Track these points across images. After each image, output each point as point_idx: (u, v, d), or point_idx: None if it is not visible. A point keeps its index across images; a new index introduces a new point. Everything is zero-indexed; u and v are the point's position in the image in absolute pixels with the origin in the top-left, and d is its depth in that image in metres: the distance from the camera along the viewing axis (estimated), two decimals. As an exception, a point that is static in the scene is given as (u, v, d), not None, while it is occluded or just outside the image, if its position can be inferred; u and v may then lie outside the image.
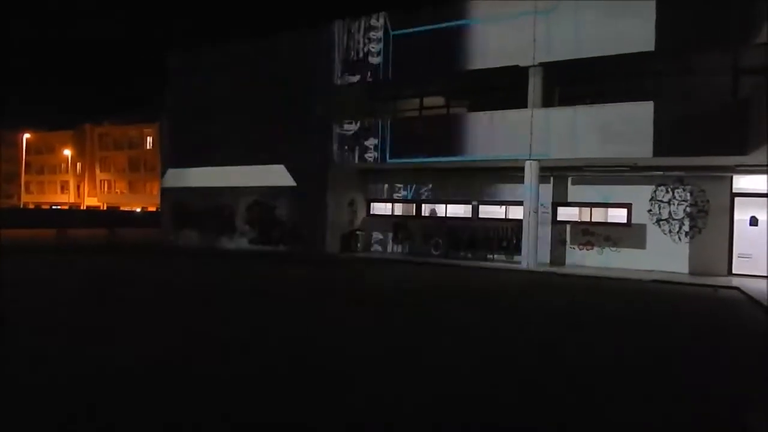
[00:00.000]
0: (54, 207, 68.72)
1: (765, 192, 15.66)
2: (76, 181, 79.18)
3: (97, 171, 76.54)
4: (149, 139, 71.04)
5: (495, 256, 18.87)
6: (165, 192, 25.34)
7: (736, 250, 16.04)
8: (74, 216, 38.10)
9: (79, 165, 77.95)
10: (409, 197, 21.45)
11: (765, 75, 13.34)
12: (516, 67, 17.25)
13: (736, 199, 16.08)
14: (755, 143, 13.01)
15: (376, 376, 5.40)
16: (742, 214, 16.03)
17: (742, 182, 16.06)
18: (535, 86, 17.00)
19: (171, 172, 24.93)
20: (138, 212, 56.60)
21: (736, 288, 13.40)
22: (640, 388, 5.26)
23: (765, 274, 15.25)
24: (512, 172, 18.22)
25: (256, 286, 12.27)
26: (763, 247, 15.43)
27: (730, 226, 16.06)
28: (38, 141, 78.41)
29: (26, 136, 66.97)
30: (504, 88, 18.51)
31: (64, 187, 79.98)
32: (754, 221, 15.86)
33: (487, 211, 19.92)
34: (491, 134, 17.49)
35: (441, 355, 6.33)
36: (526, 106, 17.17)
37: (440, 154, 18.30)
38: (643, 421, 4.38)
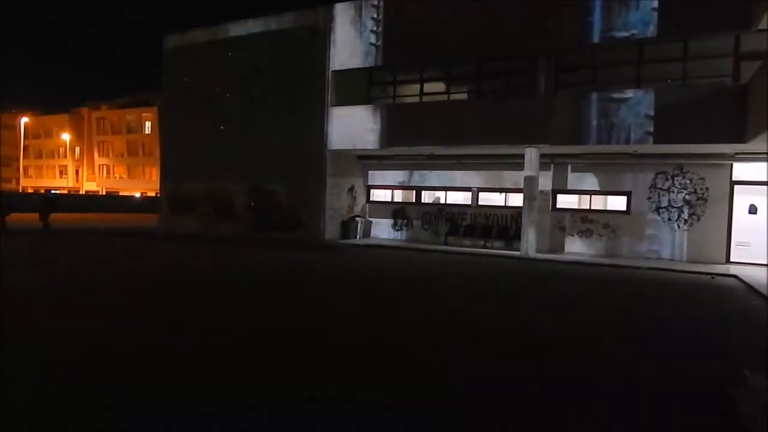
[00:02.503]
0: (51, 191, 68.57)
1: (764, 180, 15.67)
2: (74, 166, 78.96)
3: (96, 155, 76.28)
4: (148, 124, 70.69)
5: (494, 243, 18.91)
6: (164, 178, 25.26)
7: (735, 238, 16.09)
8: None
9: (77, 149, 77.67)
10: (409, 184, 21.45)
11: (765, 60, 13.27)
12: (520, 54, 17.19)
13: (736, 187, 16.09)
14: (755, 131, 12.95)
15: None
16: (741, 202, 16.06)
17: (742, 170, 16.06)
18: (537, 74, 16.92)
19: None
20: (137, 197, 56.53)
21: (734, 276, 13.47)
22: (625, 363, 5.33)
23: (763, 262, 15.34)
24: (512, 159, 18.20)
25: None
26: (762, 236, 15.49)
27: (729, 214, 16.09)
28: (36, 125, 77.99)
29: (24, 119, 66.53)
30: (505, 75, 18.42)
31: (62, 172, 79.80)
32: (753, 209, 15.88)
33: (487, 199, 19.94)
34: (492, 121, 17.43)
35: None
36: (526, 94, 17.10)
37: (440, 140, 18.26)
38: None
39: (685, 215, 16.59)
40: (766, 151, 14.44)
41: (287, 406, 4.24)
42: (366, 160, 21.78)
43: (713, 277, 13.47)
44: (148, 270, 12.20)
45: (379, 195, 22.27)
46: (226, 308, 8.12)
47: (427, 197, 21.29)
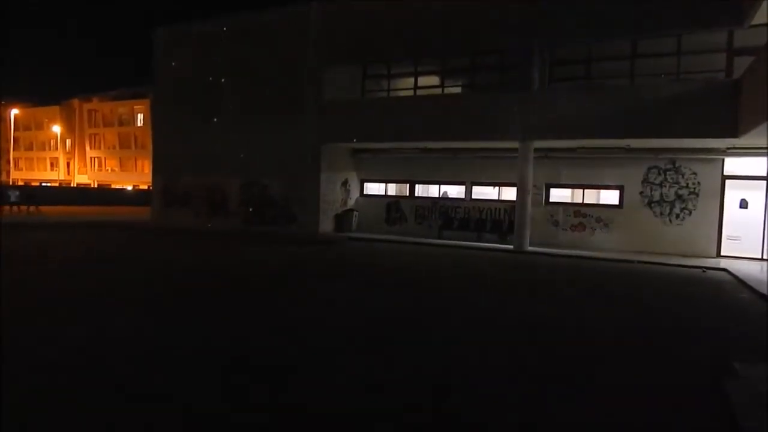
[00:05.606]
0: (44, 184, 68.10)
1: (755, 175, 15.81)
2: (65, 158, 78.30)
3: (87, 148, 75.63)
4: (140, 116, 70.15)
5: (488, 237, 18.97)
6: (156, 172, 25.07)
7: (726, 232, 16.23)
8: None
9: (68, 142, 77.01)
10: (403, 177, 21.43)
11: (758, 56, 13.33)
12: (512, 48, 17.20)
13: (727, 182, 16.22)
14: (748, 126, 13.04)
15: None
16: (732, 196, 16.18)
17: (733, 165, 16.18)
18: (531, 68, 16.93)
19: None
20: (129, 190, 56.19)
21: (724, 269, 13.60)
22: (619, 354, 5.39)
23: (753, 256, 15.52)
24: (506, 153, 18.22)
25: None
26: (752, 230, 15.66)
27: (720, 209, 16.22)
28: (26, 117, 77.22)
29: (14, 111, 65.77)
30: (498, 69, 18.44)
31: (53, 164, 79.13)
32: (743, 204, 16.02)
33: (481, 192, 19.98)
34: (485, 115, 17.44)
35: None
36: (519, 88, 17.10)
37: (433, 135, 18.26)
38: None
39: (677, 209, 16.70)
40: (757, 146, 14.58)
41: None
42: (360, 154, 21.74)
43: (704, 271, 13.59)
44: (135, 265, 12.15)
45: (373, 188, 22.26)
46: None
47: (420, 191, 21.31)
